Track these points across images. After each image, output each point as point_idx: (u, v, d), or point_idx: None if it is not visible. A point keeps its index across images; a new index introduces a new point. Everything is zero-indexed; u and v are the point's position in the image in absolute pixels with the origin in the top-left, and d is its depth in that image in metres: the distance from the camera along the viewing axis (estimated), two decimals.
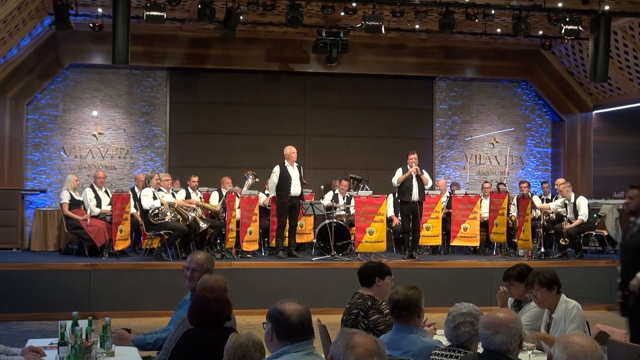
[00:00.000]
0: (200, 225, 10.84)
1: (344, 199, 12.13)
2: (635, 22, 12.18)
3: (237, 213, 10.96)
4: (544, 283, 4.85)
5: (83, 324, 4.33)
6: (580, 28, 11.70)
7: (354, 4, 11.33)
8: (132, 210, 10.98)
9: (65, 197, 11.00)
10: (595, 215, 12.06)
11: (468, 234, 11.86)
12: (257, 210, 11.11)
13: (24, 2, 10.70)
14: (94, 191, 11.15)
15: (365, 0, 11.31)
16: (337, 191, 12.20)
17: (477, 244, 12.03)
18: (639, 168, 14.48)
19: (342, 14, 11.73)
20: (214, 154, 14.08)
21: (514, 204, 12.01)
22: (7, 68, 12.62)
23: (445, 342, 4.03)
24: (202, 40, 13.49)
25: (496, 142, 15.29)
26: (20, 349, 4.34)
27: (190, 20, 12.30)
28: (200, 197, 11.79)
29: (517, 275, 5.32)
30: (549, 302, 4.91)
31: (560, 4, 11.64)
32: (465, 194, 12.22)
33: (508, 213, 11.85)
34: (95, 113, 13.76)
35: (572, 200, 11.50)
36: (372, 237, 10.88)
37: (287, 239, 11.08)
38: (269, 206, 11.46)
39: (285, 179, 10.86)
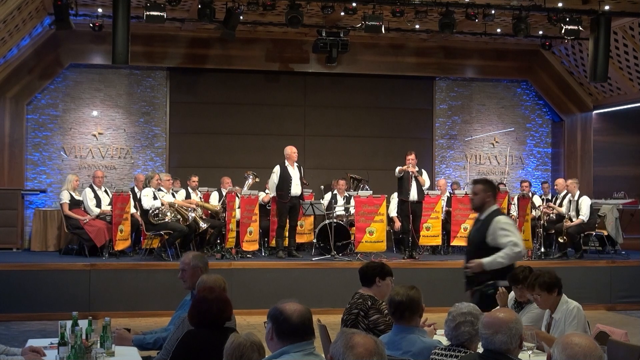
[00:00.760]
0: (200, 225, 10.84)
1: (343, 198, 12.12)
2: (635, 22, 12.18)
3: (237, 213, 10.96)
4: (545, 286, 4.86)
5: (83, 324, 4.33)
6: (580, 28, 11.69)
7: (354, 4, 11.33)
8: (132, 210, 10.98)
9: (65, 197, 11.00)
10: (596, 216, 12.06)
11: (468, 234, 11.82)
12: (257, 210, 11.11)
13: (24, 2, 10.70)
14: (94, 191, 11.15)
15: (365, 0, 11.31)
16: (335, 191, 12.18)
17: None
18: (639, 168, 14.49)
19: (342, 14, 11.73)
20: (214, 154, 14.08)
21: (514, 204, 12.01)
22: (7, 68, 12.62)
23: (445, 342, 4.03)
24: (202, 40, 13.49)
25: (496, 142, 15.29)
26: (20, 349, 4.34)
27: (190, 20, 12.30)
28: (200, 197, 11.80)
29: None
30: (550, 304, 4.91)
31: (560, 4, 11.64)
32: (466, 194, 12.21)
33: (508, 213, 11.84)
34: (95, 113, 13.75)
35: (576, 197, 11.50)
36: (372, 237, 10.88)
37: (287, 239, 11.08)
38: (268, 205, 11.46)
39: (285, 179, 10.86)
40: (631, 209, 13.37)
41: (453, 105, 15.19)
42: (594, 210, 11.75)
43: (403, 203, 10.98)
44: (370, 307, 4.93)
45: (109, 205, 11.02)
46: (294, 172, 10.95)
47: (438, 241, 11.80)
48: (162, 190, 10.87)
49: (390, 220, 11.88)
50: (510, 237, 5.62)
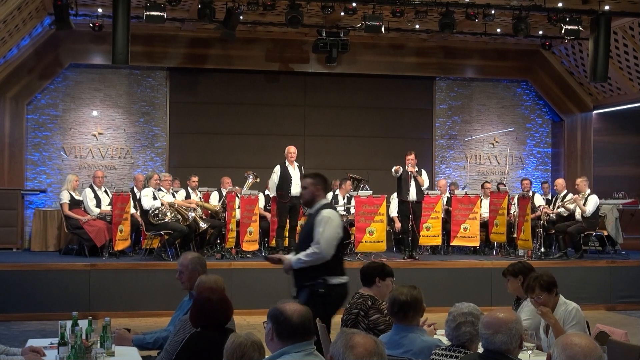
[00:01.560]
0: (200, 225, 10.84)
1: (344, 199, 12.12)
2: (635, 22, 12.18)
3: (237, 213, 10.96)
4: (545, 287, 4.83)
5: (83, 324, 4.33)
6: (580, 28, 11.70)
7: (354, 4, 11.33)
8: (132, 210, 10.98)
9: (65, 197, 11.00)
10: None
11: (468, 234, 11.86)
12: (257, 210, 11.11)
13: (24, 2, 10.70)
14: (94, 191, 11.15)
15: (365, 0, 11.31)
16: (337, 192, 12.17)
17: (477, 244, 12.03)
18: (639, 168, 14.49)
19: (342, 14, 11.73)
20: (214, 154, 14.08)
21: (514, 204, 12.02)
22: (7, 68, 12.62)
23: (445, 341, 4.03)
24: (202, 40, 13.49)
25: (496, 142, 15.29)
26: (20, 349, 4.34)
27: (190, 20, 12.30)
28: (200, 197, 11.79)
29: (512, 271, 5.38)
30: (550, 305, 4.90)
31: (560, 4, 11.64)
32: (466, 194, 12.22)
33: (508, 213, 11.85)
34: (95, 113, 13.76)
35: (586, 195, 11.52)
36: (372, 237, 10.87)
37: (287, 239, 11.08)
38: (268, 206, 11.44)
39: (285, 179, 10.85)
40: (631, 209, 13.38)
41: (453, 105, 15.19)
42: (597, 210, 11.72)
43: (402, 203, 10.98)
44: (371, 307, 4.94)
45: (109, 205, 11.02)
46: (295, 172, 10.95)
47: (438, 241, 11.80)
48: (162, 190, 10.86)
49: (390, 221, 11.88)
50: (317, 237, 5.31)
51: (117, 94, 13.88)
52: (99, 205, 11.05)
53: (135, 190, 11.24)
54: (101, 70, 13.66)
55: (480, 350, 3.45)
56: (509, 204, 11.92)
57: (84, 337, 4.14)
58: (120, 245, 10.65)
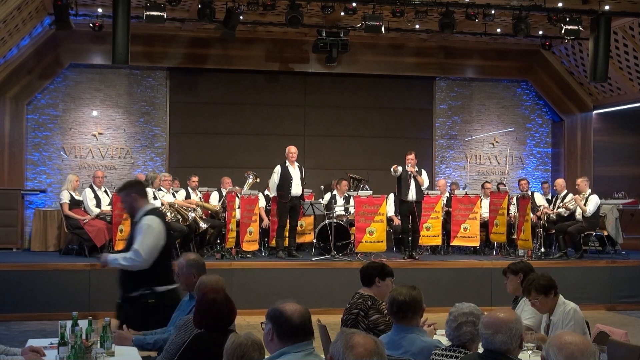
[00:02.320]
0: (200, 225, 10.84)
1: (342, 199, 12.12)
2: (635, 22, 12.18)
3: (237, 213, 10.96)
4: (541, 290, 4.84)
5: (83, 324, 4.33)
6: (580, 28, 11.69)
7: (354, 4, 11.33)
8: None
9: (65, 197, 11.00)
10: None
11: (468, 234, 11.86)
12: (257, 211, 11.12)
13: (24, 2, 10.70)
14: (94, 191, 11.15)
15: (365, 0, 11.31)
16: (335, 192, 12.17)
17: (477, 244, 12.03)
18: (639, 168, 14.48)
19: (342, 14, 11.73)
20: (214, 154, 14.08)
21: (514, 204, 12.02)
22: (7, 68, 12.61)
23: (445, 342, 4.03)
24: (202, 40, 13.49)
25: (496, 142, 15.29)
26: (20, 349, 4.34)
27: (190, 20, 12.30)
28: (200, 197, 11.79)
29: (513, 269, 5.40)
30: (548, 307, 4.90)
31: (560, 4, 11.64)
32: (466, 194, 12.22)
33: (508, 213, 11.85)
34: (95, 113, 13.76)
35: (586, 195, 11.52)
36: (372, 237, 10.87)
37: (287, 239, 11.08)
38: (268, 206, 11.45)
39: (286, 179, 10.86)
40: (631, 209, 13.37)
41: (453, 105, 15.19)
42: (597, 210, 11.72)
43: (402, 203, 10.97)
44: (370, 307, 4.93)
45: (109, 205, 11.01)
46: (295, 172, 10.95)
47: (438, 241, 11.80)
48: (162, 190, 10.86)
49: (389, 220, 11.87)
50: (137, 245, 5.17)
51: (117, 94, 13.87)
52: (99, 205, 11.04)
53: None
54: (101, 70, 13.66)
55: (481, 350, 3.45)
56: (509, 204, 11.92)
57: (84, 337, 4.14)
58: (120, 245, 10.61)
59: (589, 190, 11.66)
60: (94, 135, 13.71)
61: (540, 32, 13.19)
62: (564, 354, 2.73)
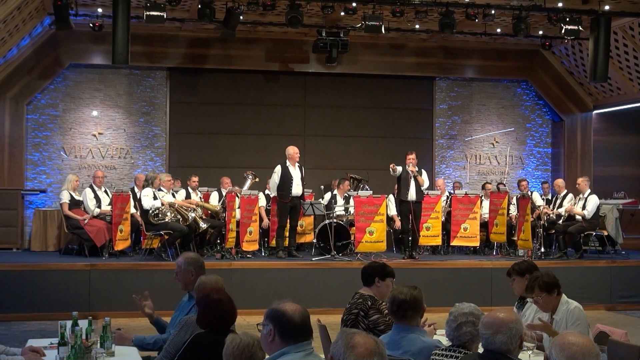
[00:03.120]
0: (200, 225, 10.83)
1: (342, 198, 12.11)
2: (635, 22, 12.18)
3: (237, 213, 10.96)
4: (544, 287, 4.81)
5: (83, 324, 4.33)
6: (580, 28, 11.69)
7: (354, 4, 11.32)
8: (132, 210, 10.98)
9: (65, 197, 10.99)
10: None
11: (468, 234, 11.85)
12: (257, 211, 11.12)
13: (24, 2, 10.70)
14: (94, 191, 11.15)
15: (365, 0, 11.31)
16: (335, 192, 12.17)
17: (477, 244, 12.03)
18: (639, 168, 14.49)
19: (342, 14, 11.73)
20: (214, 154, 14.08)
21: (514, 204, 12.02)
22: (7, 68, 12.62)
23: (445, 342, 4.03)
24: (202, 40, 13.49)
25: (496, 142, 15.29)
26: (20, 349, 4.34)
27: (190, 20, 12.30)
28: (200, 197, 11.79)
29: (518, 270, 5.32)
30: (551, 306, 4.88)
31: (560, 4, 11.64)
32: (465, 194, 12.22)
33: (508, 213, 11.85)
34: (95, 113, 13.76)
35: (586, 195, 11.52)
36: (372, 237, 10.87)
37: (287, 239, 11.08)
38: (268, 206, 11.45)
39: (286, 179, 10.85)
40: (631, 209, 13.38)
41: (453, 105, 15.19)
42: (597, 210, 11.71)
43: (402, 203, 10.97)
44: (371, 307, 4.93)
45: (109, 205, 11.01)
46: (295, 172, 10.95)
47: (438, 241, 11.80)
48: (162, 190, 10.86)
49: (389, 220, 11.88)
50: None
51: (117, 94, 13.87)
52: (99, 205, 11.04)
53: (136, 190, 11.24)
54: (101, 70, 13.66)
55: (481, 350, 3.45)
56: (509, 204, 11.92)
57: (84, 337, 4.14)
58: (120, 245, 10.65)
59: (589, 191, 11.66)
60: (94, 135, 13.71)
61: (540, 32, 13.19)
62: (566, 354, 2.72)
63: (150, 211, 10.40)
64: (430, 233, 11.60)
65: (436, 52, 14.47)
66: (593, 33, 11.73)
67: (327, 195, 12.07)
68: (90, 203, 10.96)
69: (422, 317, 4.30)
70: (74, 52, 13.24)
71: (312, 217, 11.93)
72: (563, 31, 11.70)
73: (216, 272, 4.93)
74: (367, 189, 11.98)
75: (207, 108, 14.18)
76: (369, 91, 14.76)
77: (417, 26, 12.72)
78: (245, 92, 14.31)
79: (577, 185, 11.77)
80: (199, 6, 10.99)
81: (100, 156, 13.71)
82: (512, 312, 3.55)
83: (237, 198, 10.94)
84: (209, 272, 4.93)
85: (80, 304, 9.27)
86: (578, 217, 11.55)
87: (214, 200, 11.66)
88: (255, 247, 11.16)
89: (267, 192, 11.76)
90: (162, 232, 10.49)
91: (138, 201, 10.76)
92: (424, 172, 11.17)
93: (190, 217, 10.68)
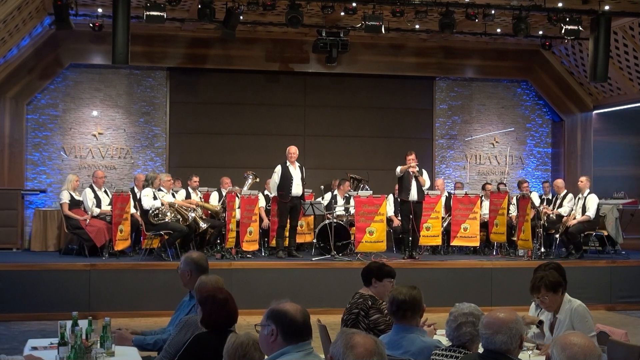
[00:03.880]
0: (200, 225, 10.84)
1: (343, 198, 12.11)
2: (635, 22, 12.18)
3: (237, 213, 10.96)
4: (550, 287, 4.71)
5: (83, 324, 4.33)
6: (580, 28, 11.69)
7: (354, 4, 11.32)
8: (132, 210, 10.98)
9: (65, 197, 10.99)
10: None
11: (468, 234, 11.85)
12: (257, 211, 11.12)
13: (24, 2, 10.69)
14: (94, 191, 11.15)
15: (365, 0, 11.31)
16: (335, 192, 12.17)
17: (477, 244, 12.02)
18: (639, 168, 14.48)
19: (342, 14, 11.73)
20: (214, 154, 14.08)
21: (514, 204, 12.02)
22: (7, 68, 12.61)
23: (445, 342, 4.03)
24: (202, 40, 13.49)
25: (496, 142, 15.29)
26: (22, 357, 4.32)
27: (190, 20, 12.30)
28: (200, 197, 11.80)
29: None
30: (557, 305, 4.80)
31: (560, 4, 11.64)
32: (465, 194, 12.22)
33: (508, 213, 11.84)
34: (95, 113, 13.76)
35: (585, 195, 11.51)
36: (372, 237, 10.87)
37: (287, 239, 11.07)
38: (268, 206, 11.44)
39: (286, 179, 10.85)
40: (631, 209, 13.37)
41: (453, 105, 15.19)
42: (597, 209, 11.71)
43: (403, 203, 10.98)
44: (371, 306, 4.93)
45: (109, 205, 11.02)
46: (296, 172, 10.95)
47: (438, 241, 11.80)
48: (162, 191, 10.86)
49: (388, 220, 11.87)
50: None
51: (117, 94, 13.87)
52: (99, 205, 11.04)
53: (136, 190, 11.24)
54: (101, 70, 13.66)
55: (481, 350, 3.45)
56: (509, 204, 11.92)
57: (84, 337, 4.14)
58: (120, 246, 10.65)
59: (588, 190, 11.66)
60: (94, 135, 13.71)
61: (540, 32, 13.19)
62: (567, 354, 2.72)
63: (150, 211, 10.40)
64: (430, 233, 11.60)
65: (436, 52, 14.47)
66: (593, 33, 11.72)
67: (327, 196, 12.07)
68: (90, 203, 10.96)
69: (422, 317, 4.30)
70: (74, 52, 13.24)
71: (312, 217, 11.93)
72: (563, 31, 11.70)
73: (216, 272, 4.92)
74: (367, 189, 11.98)
75: (207, 108, 14.18)
76: (368, 91, 14.76)
77: (417, 26, 12.72)
78: (245, 92, 14.31)
79: (579, 183, 11.78)
80: (199, 6, 10.99)
81: (100, 156, 13.71)
82: (512, 312, 3.54)
83: (237, 198, 10.94)
84: (209, 272, 4.92)
85: (80, 304, 9.27)
86: (578, 216, 11.54)
87: (214, 200, 11.66)
88: (255, 247, 11.16)
89: (266, 192, 11.76)
90: (162, 232, 10.49)
91: (138, 201, 10.76)
92: (424, 172, 11.18)
93: (190, 217, 10.68)
